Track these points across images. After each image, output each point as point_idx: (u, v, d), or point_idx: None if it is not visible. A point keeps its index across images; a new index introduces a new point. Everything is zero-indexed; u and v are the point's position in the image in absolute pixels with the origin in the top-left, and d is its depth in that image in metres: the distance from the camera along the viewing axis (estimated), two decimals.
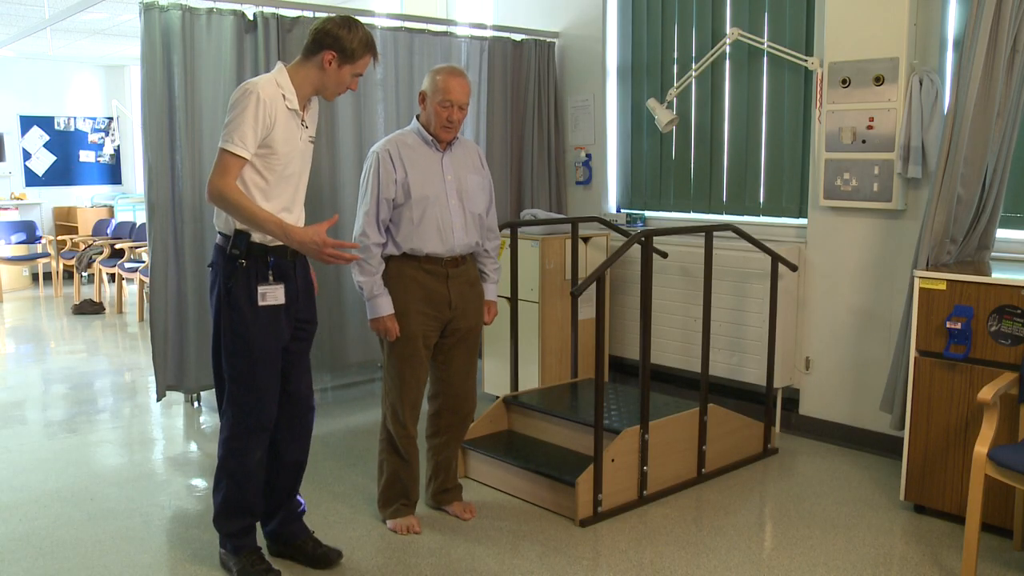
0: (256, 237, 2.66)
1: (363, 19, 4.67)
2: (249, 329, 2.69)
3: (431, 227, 3.06)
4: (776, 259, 3.93)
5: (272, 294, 2.70)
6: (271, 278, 2.69)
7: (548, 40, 5.40)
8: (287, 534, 3.01)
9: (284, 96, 2.64)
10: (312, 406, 2.99)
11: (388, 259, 3.09)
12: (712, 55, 4.62)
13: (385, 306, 3.03)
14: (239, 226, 2.65)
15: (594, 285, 3.30)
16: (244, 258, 2.66)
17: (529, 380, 4.55)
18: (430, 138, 3.10)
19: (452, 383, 3.26)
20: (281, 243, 2.66)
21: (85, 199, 10.71)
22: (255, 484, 2.84)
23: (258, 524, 2.96)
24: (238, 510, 2.84)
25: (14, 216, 9.79)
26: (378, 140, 3.22)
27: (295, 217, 2.76)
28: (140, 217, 9.44)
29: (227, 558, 2.90)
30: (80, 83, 10.71)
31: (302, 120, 2.73)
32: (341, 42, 2.65)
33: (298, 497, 3.04)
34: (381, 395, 3.24)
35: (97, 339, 7.05)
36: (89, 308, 8.13)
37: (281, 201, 2.69)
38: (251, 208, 2.57)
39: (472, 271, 3.23)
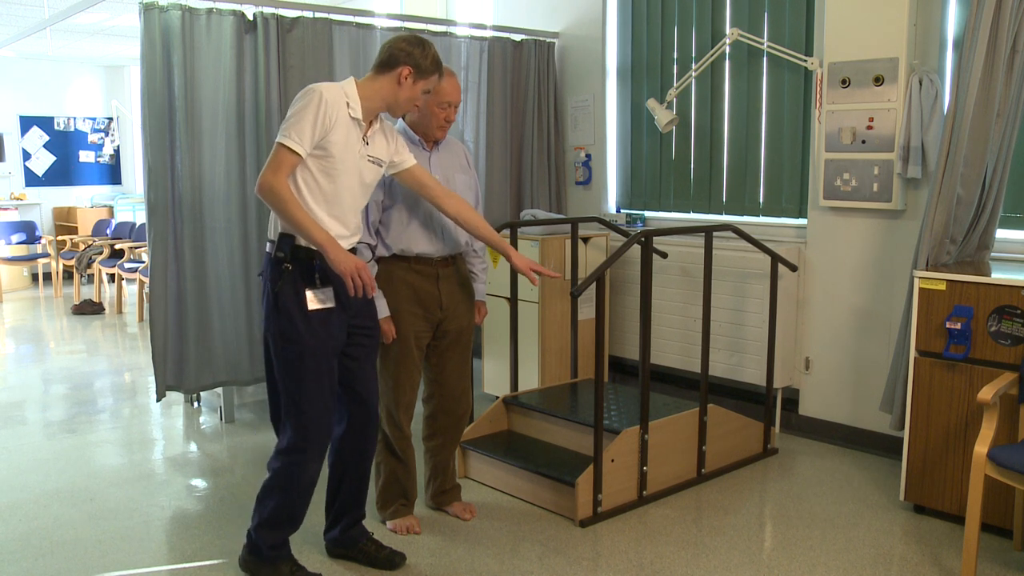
0: (301, 240, 2.63)
1: (363, 19, 4.73)
2: (300, 334, 2.64)
3: (420, 227, 3.06)
4: (776, 259, 3.93)
5: (320, 297, 2.66)
6: (318, 282, 2.65)
7: (548, 40, 5.40)
8: (348, 539, 3.00)
9: (348, 104, 2.65)
10: (377, 413, 2.95)
11: (378, 260, 3.08)
12: (712, 55, 4.62)
13: (381, 309, 3.03)
14: (284, 229, 2.63)
15: (594, 285, 3.30)
16: (289, 262, 2.63)
17: (529, 380, 4.55)
18: (417, 138, 3.11)
19: (446, 384, 3.26)
20: None
21: (85, 199, 10.72)
22: (307, 498, 2.81)
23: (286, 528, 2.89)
24: (286, 522, 2.80)
25: (14, 216, 9.79)
26: None
27: (344, 231, 2.71)
28: (140, 217, 9.45)
29: (258, 567, 2.83)
30: (80, 83, 10.71)
31: (364, 134, 2.72)
32: (415, 58, 2.71)
33: None
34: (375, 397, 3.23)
35: (97, 339, 7.05)
36: (89, 308, 8.13)
37: (332, 208, 2.67)
38: (299, 209, 2.56)
39: (462, 271, 3.23)
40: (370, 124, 2.76)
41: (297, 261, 2.64)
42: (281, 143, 2.56)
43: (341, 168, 2.66)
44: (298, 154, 2.57)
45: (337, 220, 2.69)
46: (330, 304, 2.68)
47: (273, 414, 2.85)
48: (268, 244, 2.72)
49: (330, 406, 2.75)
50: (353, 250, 2.78)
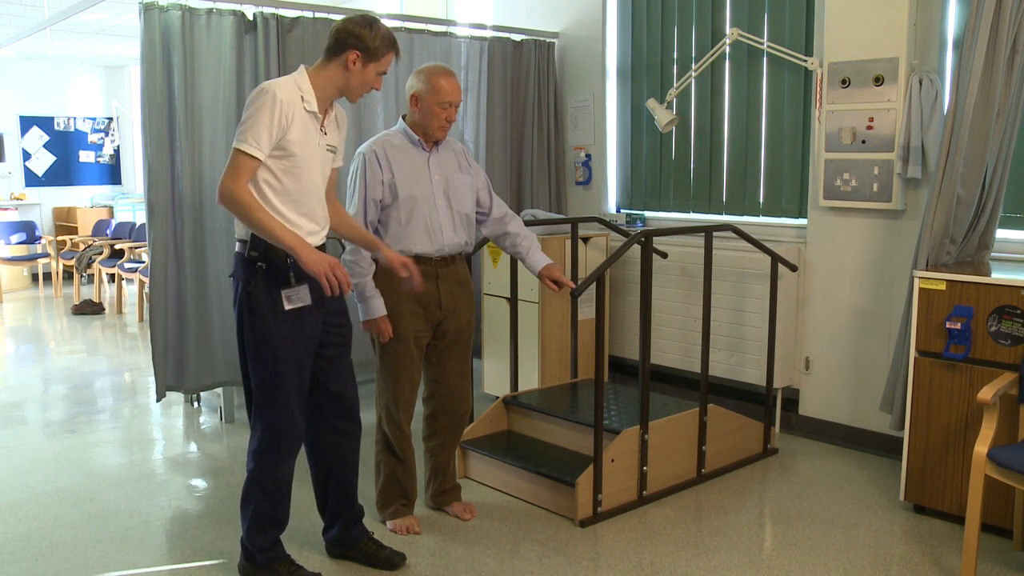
0: None
1: None
2: (273, 335, 2.62)
3: (419, 227, 3.05)
4: (776, 259, 3.93)
5: (297, 296, 2.62)
6: (293, 280, 2.62)
7: (548, 40, 5.40)
8: (348, 538, 2.99)
9: (303, 98, 2.60)
10: (357, 409, 2.92)
11: (377, 260, 3.08)
12: (712, 55, 4.62)
13: (378, 307, 3.03)
14: None
15: (594, 285, 3.30)
16: (263, 261, 2.60)
17: (529, 380, 4.55)
18: (416, 138, 3.10)
19: (446, 384, 3.26)
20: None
21: (85, 199, 10.72)
22: (287, 496, 2.79)
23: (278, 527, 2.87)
24: (271, 523, 2.78)
25: (14, 216, 9.79)
26: None
27: (314, 227, 2.69)
28: (140, 217, 9.45)
29: (256, 572, 2.81)
30: (80, 83, 10.71)
31: (321, 125, 2.68)
32: (364, 41, 2.62)
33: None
34: (375, 397, 3.24)
35: (97, 339, 7.05)
36: (89, 308, 8.13)
37: (299, 207, 2.63)
38: (264, 213, 2.52)
39: (462, 271, 3.22)
40: (326, 113, 2.71)
41: (270, 260, 2.60)
42: (238, 149, 2.50)
43: (304, 165, 2.61)
44: (257, 159, 2.51)
45: (306, 217, 2.65)
46: (306, 302, 2.64)
47: (251, 415, 2.80)
48: (238, 243, 2.67)
49: (304, 406, 2.74)
50: (323, 246, 2.75)
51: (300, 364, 2.68)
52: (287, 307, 2.61)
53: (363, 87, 2.70)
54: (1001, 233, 3.63)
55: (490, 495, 3.59)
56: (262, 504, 2.74)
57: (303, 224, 2.63)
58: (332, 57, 2.66)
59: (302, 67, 2.68)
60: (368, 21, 2.65)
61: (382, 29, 2.66)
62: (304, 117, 2.60)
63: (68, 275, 9.92)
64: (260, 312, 2.62)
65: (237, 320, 2.69)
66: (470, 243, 3.23)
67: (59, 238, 9.72)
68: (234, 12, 4.20)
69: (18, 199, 10.20)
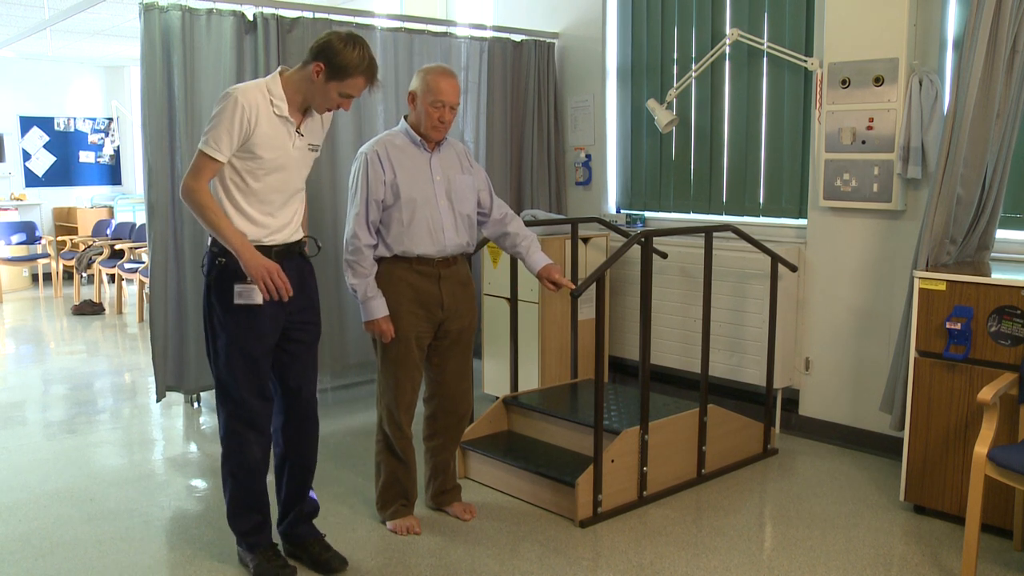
0: None
1: (363, 20, 4.73)
2: (227, 327, 2.70)
3: (421, 228, 3.05)
4: (776, 260, 3.93)
5: (247, 293, 2.67)
6: (248, 277, 2.66)
7: (548, 40, 5.40)
8: (296, 535, 3.01)
9: (272, 103, 2.63)
10: (315, 406, 2.98)
11: (379, 261, 3.08)
12: (712, 55, 4.62)
13: (379, 308, 3.03)
14: None
15: (594, 285, 3.30)
16: (222, 256, 2.67)
17: (529, 380, 4.55)
18: (418, 139, 3.10)
19: (447, 384, 3.26)
20: (263, 243, 2.68)
21: (85, 200, 10.72)
22: (258, 481, 2.85)
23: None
24: (245, 507, 2.86)
25: (14, 217, 9.79)
26: None
27: (280, 223, 2.73)
28: (140, 218, 9.45)
29: (244, 555, 2.93)
30: (80, 83, 10.71)
31: (297, 127, 2.71)
32: (333, 56, 2.59)
33: (312, 496, 3.04)
34: (376, 397, 3.24)
35: (97, 340, 7.05)
36: (89, 309, 8.13)
37: (264, 206, 2.69)
38: (215, 214, 2.59)
39: (464, 271, 3.22)
40: (304, 114, 2.73)
41: (229, 256, 2.66)
42: (201, 149, 2.59)
43: (272, 167, 2.66)
44: (217, 160, 2.58)
45: (271, 216, 2.71)
46: (256, 301, 2.68)
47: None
48: (208, 237, 2.75)
49: (263, 393, 2.79)
50: (300, 242, 2.81)
51: (249, 356, 2.73)
52: (236, 301, 2.68)
53: (326, 102, 2.69)
54: (1001, 233, 3.63)
55: (490, 495, 3.59)
56: (235, 489, 2.83)
57: (268, 223, 2.70)
58: (305, 64, 2.68)
59: (278, 70, 2.71)
60: (350, 39, 2.62)
61: (356, 53, 2.61)
62: (272, 121, 2.64)
63: (68, 275, 9.92)
64: (217, 304, 2.71)
65: (203, 310, 2.80)
66: (472, 244, 3.23)
67: (59, 238, 9.72)
68: (234, 12, 4.21)
69: (18, 199, 10.20)
